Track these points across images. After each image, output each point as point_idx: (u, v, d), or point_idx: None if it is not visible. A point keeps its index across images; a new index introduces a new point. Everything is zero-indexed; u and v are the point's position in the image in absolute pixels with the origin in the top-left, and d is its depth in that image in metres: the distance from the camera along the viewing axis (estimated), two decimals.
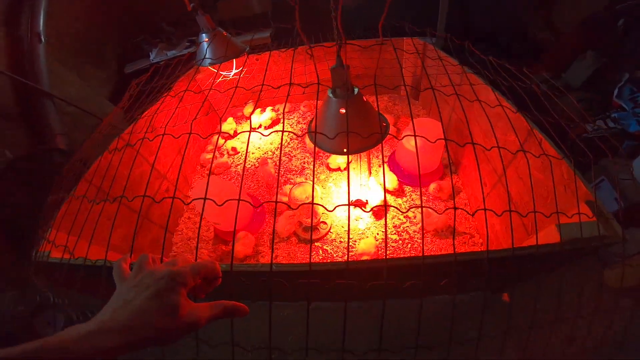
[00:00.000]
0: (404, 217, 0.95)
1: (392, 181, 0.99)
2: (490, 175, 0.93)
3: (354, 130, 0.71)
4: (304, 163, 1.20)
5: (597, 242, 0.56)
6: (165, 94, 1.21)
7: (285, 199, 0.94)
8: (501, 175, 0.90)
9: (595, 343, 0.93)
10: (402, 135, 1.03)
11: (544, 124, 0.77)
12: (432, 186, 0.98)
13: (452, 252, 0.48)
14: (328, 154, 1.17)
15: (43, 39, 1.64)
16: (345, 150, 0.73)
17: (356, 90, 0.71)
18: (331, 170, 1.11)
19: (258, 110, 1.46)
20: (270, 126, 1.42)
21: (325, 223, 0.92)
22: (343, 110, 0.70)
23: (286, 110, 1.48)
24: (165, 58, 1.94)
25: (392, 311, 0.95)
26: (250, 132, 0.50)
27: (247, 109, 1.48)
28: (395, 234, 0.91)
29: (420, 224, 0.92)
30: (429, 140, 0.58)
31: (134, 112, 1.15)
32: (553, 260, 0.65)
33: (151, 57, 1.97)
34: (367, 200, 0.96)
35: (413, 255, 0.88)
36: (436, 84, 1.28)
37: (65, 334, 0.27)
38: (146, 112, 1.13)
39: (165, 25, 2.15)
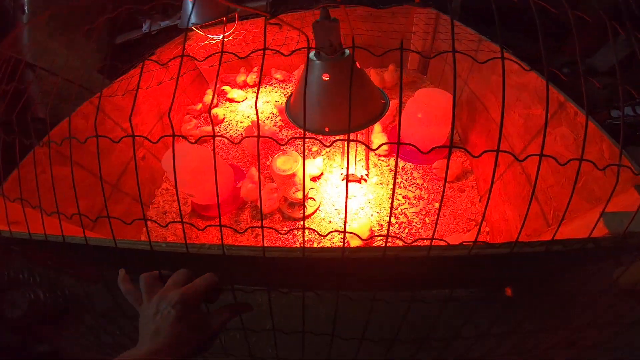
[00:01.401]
0: (403, 198, 0.83)
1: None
2: (505, 154, 0.82)
3: (340, 102, 0.57)
4: (295, 133, 1.08)
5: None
6: (146, 58, 1.11)
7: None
8: (520, 154, 0.78)
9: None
10: (406, 105, 0.91)
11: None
12: (436, 164, 0.87)
13: (460, 241, 0.37)
14: None
15: (27, 10, 1.61)
16: (326, 129, 0.58)
17: (346, 52, 0.57)
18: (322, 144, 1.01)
19: (244, 74, 1.36)
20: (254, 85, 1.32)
21: (313, 199, 0.81)
22: (327, 76, 0.56)
23: (279, 77, 1.37)
24: (158, 28, 1.84)
25: (386, 304, 0.86)
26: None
27: (240, 77, 1.38)
28: (393, 216, 0.80)
29: (419, 207, 0.81)
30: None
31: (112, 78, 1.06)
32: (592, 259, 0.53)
33: (144, 28, 1.86)
34: (362, 176, 0.85)
35: (411, 240, 0.78)
36: (447, 57, 1.16)
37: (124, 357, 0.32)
38: (123, 76, 1.04)
39: None
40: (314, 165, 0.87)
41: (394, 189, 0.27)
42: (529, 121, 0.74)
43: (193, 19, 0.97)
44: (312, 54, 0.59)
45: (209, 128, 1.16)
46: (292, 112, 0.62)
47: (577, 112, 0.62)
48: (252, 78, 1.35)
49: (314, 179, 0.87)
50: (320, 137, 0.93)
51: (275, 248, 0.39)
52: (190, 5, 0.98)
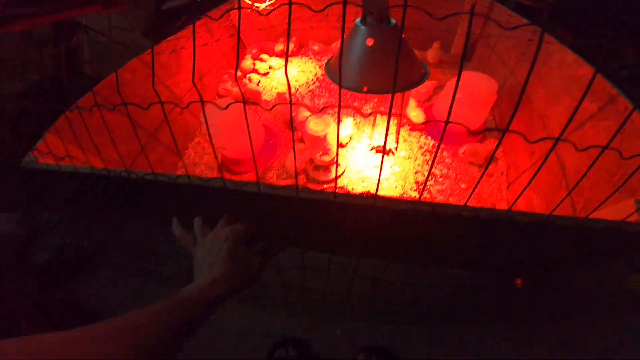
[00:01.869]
0: (430, 175, 0.84)
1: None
2: (543, 143, 0.80)
3: (381, 65, 0.60)
4: (327, 103, 1.10)
5: None
6: (192, 23, 1.16)
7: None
8: (556, 143, 0.76)
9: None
10: (447, 85, 0.91)
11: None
12: (465, 147, 0.86)
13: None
14: (355, 97, 1.07)
15: None
16: (364, 88, 0.61)
17: (393, 21, 0.59)
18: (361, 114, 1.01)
19: (283, 44, 1.39)
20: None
21: (339, 164, 0.84)
22: (371, 41, 0.59)
23: (317, 49, 1.39)
24: None
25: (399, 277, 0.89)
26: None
27: (278, 47, 1.40)
28: (415, 190, 0.81)
29: (444, 185, 0.82)
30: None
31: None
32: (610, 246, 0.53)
33: None
34: (391, 149, 0.86)
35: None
36: (496, 46, 1.13)
37: (189, 290, 0.36)
38: (171, 37, 1.09)
39: None
40: (345, 126, 0.90)
41: (437, 150, 0.27)
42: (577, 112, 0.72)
43: None
44: (357, 19, 0.61)
45: (253, 85, 1.21)
46: (332, 71, 0.64)
47: (627, 106, 0.60)
48: (290, 47, 1.38)
49: (341, 145, 0.89)
50: (356, 103, 0.94)
51: (309, 189, 0.42)
52: None
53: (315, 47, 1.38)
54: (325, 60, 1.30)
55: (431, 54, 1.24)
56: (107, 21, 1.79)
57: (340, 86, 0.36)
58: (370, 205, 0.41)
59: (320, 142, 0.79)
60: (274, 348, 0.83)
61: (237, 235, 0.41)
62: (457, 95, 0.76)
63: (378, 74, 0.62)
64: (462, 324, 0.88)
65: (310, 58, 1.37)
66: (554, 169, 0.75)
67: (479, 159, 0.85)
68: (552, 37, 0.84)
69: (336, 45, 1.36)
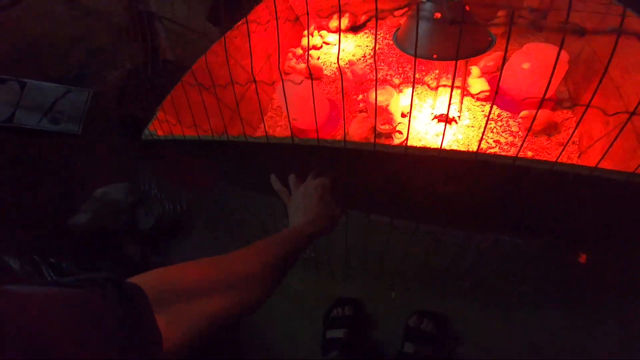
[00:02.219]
0: (494, 142, 0.86)
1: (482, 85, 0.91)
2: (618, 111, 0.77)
3: (448, 36, 0.65)
4: (387, 76, 1.14)
5: None
6: (258, 6, 1.26)
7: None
8: (635, 109, 0.73)
9: None
10: (512, 56, 0.90)
11: None
12: (523, 113, 0.86)
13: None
14: (417, 69, 1.09)
15: None
16: (435, 55, 0.67)
17: None
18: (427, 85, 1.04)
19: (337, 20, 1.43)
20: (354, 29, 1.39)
21: (400, 132, 0.89)
22: (439, 14, 0.63)
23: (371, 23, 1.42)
24: None
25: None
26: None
27: (333, 23, 1.46)
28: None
29: (510, 153, 0.83)
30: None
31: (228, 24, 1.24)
32: None
33: None
34: (454, 117, 0.89)
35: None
36: (569, 17, 1.06)
37: (292, 227, 0.46)
38: (239, 23, 1.19)
39: None
40: (406, 96, 0.94)
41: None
42: None
43: None
44: None
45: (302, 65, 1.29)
46: (401, 42, 0.70)
47: None
48: (344, 23, 1.43)
49: (403, 114, 0.94)
50: (417, 75, 0.97)
51: (384, 145, 0.49)
52: None
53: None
54: (381, 34, 1.33)
55: (497, 21, 1.20)
56: (177, 9, 1.99)
57: (415, 56, 0.42)
58: (434, 156, 0.47)
59: (382, 111, 0.85)
60: (331, 307, 0.93)
61: (325, 184, 0.51)
62: (524, 66, 0.79)
63: (445, 43, 0.66)
64: (516, 299, 0.90)
65: (366, 33, 1.40)
66: (629, 137, 0.73)
67: (539, 124, 0.84)
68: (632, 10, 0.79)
69: (404, 18, 1.38)
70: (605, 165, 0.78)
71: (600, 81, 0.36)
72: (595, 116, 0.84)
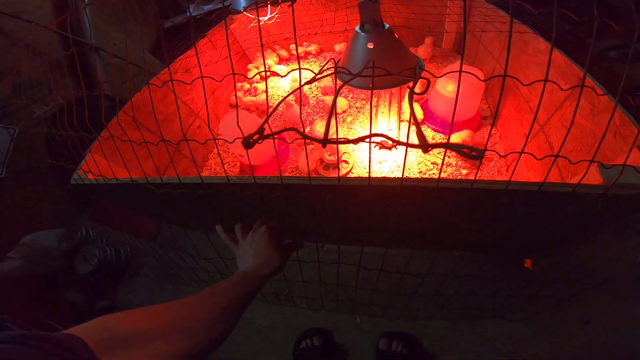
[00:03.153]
0: (432, 164, 0.93)
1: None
2: (531, 127, 0.89)
3: (381, 64, 0.72)
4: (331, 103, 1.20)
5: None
6: (199, 40, 1.28)
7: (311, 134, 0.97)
8: (544, 125, 0.85)
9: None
10: (437, 80, 1.00)
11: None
12: (453, 136, 0.95)
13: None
14: (356, 98, 1.16)
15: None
16: (370, 85, 0.73)
17: (387, 25, 0.69)
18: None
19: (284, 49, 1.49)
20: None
21: (347, 162, 0.93)
22: (371, 45, 0.69)
23: (313, 51, 1.50)
24: (202, 12, 2.01)
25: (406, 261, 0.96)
26: (266, 75, 0.45)
27: (281, 52, 1.52)
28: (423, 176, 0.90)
29: (446, 173, 0.91)
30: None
31: (170, 58, 1.23)
32: (584, 206, 0.61)
33: (189, 12, 2.04)
34: (392, 143, 0.95)
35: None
36: (481, 37, 1.22)
37: (244, 271, 0.48)
38: (182, 56, 1.20)
39: None
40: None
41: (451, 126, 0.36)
42: (552, 94, 0.80)
43: (243, 3, 1.11)
44: (357, 27, 0.71)
45: (254, 98, 1.32)
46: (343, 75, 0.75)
47: (593, 85, 0.68)
48: (283, 53, 1.49)
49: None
50: (357, 104, 1.03)
51: (320, 178, 0.52)
52: None
53: (312, 48, 1.49)
54: (324, 62, 1.41)
55: (423, 50, 1.33)
56: (114, 41, 1.92)
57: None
58: (367, 186, 0.51)
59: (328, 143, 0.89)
60: (299, 339, 0.92)
61: (273, 229, 0.53)
62: (449, 87, 0.87)
63: (380, 72, 0.72)
64: (480, 311, 0.94)
65: (309, 61, 1.48)
66: (544, 149, 0.83)
67: (469, 144, 0.93)
68: (528, 27, 0.93)
69: (341, 49, 1.47)
70: (529, 176, 0.89)
71: (500, 95, 0.41)
72: (515, 132, 0.95)
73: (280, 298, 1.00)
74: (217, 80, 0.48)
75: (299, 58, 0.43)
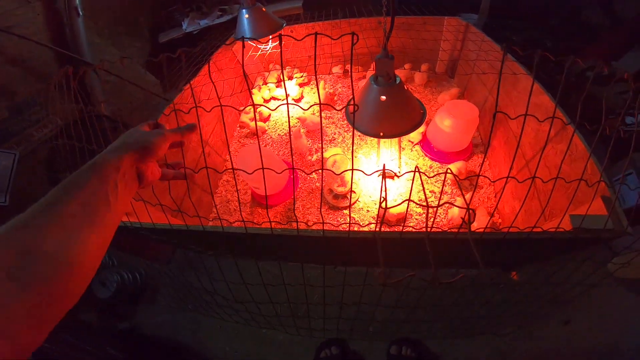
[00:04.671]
0: (430, 192, 1.06)
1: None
2: (519, 159, 1.01)
3: (391, 115, 0.79)
4: (335, 133, 1.31)
5: (602, 234, 0.63)
6: (206, 66, 1.35)
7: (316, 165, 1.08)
8: (529, 161, 0.98)
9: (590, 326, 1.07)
10: (436, 114, 1.12)
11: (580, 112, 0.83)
12: (451, 167, 1.06)
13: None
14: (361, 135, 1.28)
15: (80, 12, 1.75)
16: (381, 134, 0.81)
17: (398, 79, 0.77)
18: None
19: (286, 82, 1.58)
20: (300, 98, 1.54)
21: (354, 192, 1.05)
22: (384, 98, 0.76)
23: (304, 79, 1.61)
24: (198, 28, 2.06)
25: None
26: (287, 104, 0.47)
27: (270, 78, 1.60)
28: (419, 207, 1.03)
29: (443, 201, 1.04)
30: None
31: (176, 80, 1.29)
32: (561, 245, 0.74)
33: (184, 27, 2.09)
34: (395, 174, 1.07)
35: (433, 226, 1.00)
36: (475, 66, 1.34)
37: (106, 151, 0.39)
38: (192, 82, 1.26)
39: None
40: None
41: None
42: (539, 134, 0.93)
43: (247, 34, 1.18)
44: (371, 78, 0.79)
45: (260, 124, 1.41)
46: (350, 118, 0.85)
47: (573, 133, 0.81)
48: (295, 90, 1.57)
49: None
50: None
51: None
52: (245, 22, 1.18)
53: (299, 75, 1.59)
54: (333, 88, 1.51)
55: (419, 76, 1.46)
56: (109, 56, 1.95)
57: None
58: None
59: (337, 176, 0.99)
60: (319, 349, 1.04)
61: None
62: (446, 122, 1.01)
63: (390, 122, 0.81)
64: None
65: (312, 88, 1.57)
66: (527, 181, 0.97)
67: (461, 174, 1.06)
68: (520, 65, 1.06)
69: (337, 71, 1.57)
70: (514, 205, 1.02)
71: (491, 131, 0.53)
72: (503, 162, 1.08)
73: (296, 327, 1.11)
74: (237, 109, 0.57)
75: (287, 97, 0.53)
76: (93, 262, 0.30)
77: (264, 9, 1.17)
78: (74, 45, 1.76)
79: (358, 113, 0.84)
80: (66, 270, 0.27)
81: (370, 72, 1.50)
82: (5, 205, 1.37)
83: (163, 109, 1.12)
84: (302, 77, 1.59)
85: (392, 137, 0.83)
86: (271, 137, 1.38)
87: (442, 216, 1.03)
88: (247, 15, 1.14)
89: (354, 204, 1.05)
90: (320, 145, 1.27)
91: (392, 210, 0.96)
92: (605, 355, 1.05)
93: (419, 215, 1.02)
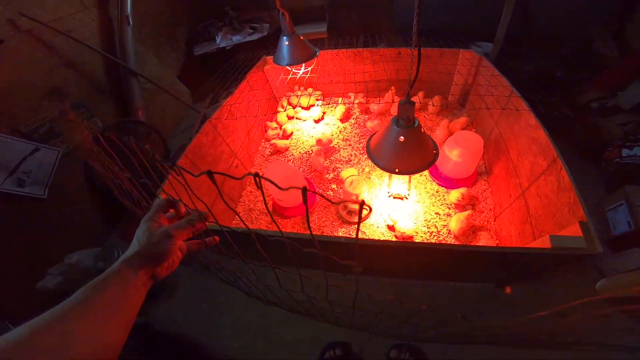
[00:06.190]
0: (435, 214, 1.21)
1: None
2: (516, 188, 1.17)
3: (408, 155, 0.90)
4: (351, 155, 1.49)
5: (577, 252, 0.78)
6: (242, 83, 1.53)
7: (333, 186, 1.25)
8: (525, 190, 1.13)
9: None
10: (445, 144, 1.28)
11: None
12: (452, 193, 1.22)
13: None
14: None
15: (131, 22, 1.96)
16: (396, 170, 0.91)
17: (417, 122, 0.88)
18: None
19: (307, 102, 1.77)
20: (320, 119, 1.72)
21: (365, 209, 1.20)
22: (402, 138, 0.87)
23: (334, 103, 1.79)
24: (231, 43, 2.27)
25: (409, 289, 1.22)
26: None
27: (303, 100, 1.79)
28: (425, 226, 1.18)
29: (447, 222, 1.19)
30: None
31: (215, 93, 1.45)
32: (542, 261, 0.89)
33: (218, 41, 2.30)
34: (405, 195, 1.23)
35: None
36: (485, 96, 1.50)
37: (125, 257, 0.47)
38: (228, 100, 1.44)
39: (230, 9, 2.47)
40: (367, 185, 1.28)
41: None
42: (534, 166, 1.08)
43: (286, 60, 1.32)
44: (393, 119, 0.90)
45: (284, 142, 1.59)
46: (372, 154, 0.98)
47: (561, 167, 0.96)
48: (317, 110, 1.76)
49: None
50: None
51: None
52: (285, 48, 1.32)
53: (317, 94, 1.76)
54: (351, 110, 1.68)
55: (432, 103, 1.62)
56: (151, 67, 2.15)
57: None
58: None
59: (352, 193, 1.16)
60: (324, 350, 1.18)
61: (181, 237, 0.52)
62: (454, 152, 1.20)
63: (406, 160, 0.92)
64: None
65: (333, 112, 1.75)
66: (523, 210, 1.11)
67: (464, 200, 1.21)
68: (525, 102, 1.20)
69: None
70: (510, 228, 1.16)
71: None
72: (503, 190, 1.23)
73: (308, 315, 1.26)
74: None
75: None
76: (118, 343, 0.40)
77: (301, 37, 1.30)
78: (121, 53, 1.94)
79: (377, 148, 0.96)
80: (99, 349, 0.37)
81: (385, 99, 1.67)
82: (44, 198, 1.53)
83: (194, 119, 1.30)
84: (321, 101, 1.76)
85: (406, 174, 0.95)
86: (292, 154, 1.56)
87: (445, 235, 1.18)
88: (287, 42, 1.27)
89: (365, 219, 1.21)
90: (337, 166, 1.45)
91: (399, 229, 1.12)
92: None
93: (424, 234, 1.17)
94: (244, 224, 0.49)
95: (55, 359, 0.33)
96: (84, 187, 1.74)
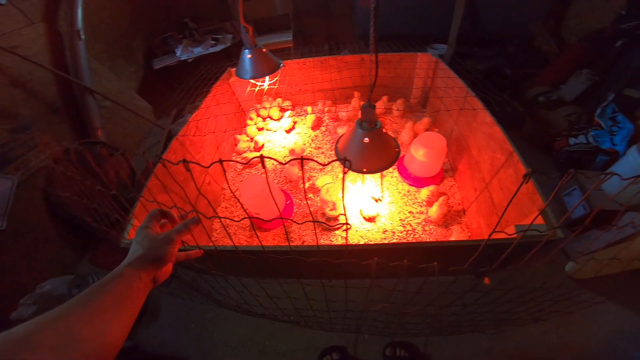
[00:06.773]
0: (409, 212, 1.28)
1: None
2: (480, 182, 1.25)
3: (373, 154, 0.98)
4: (324, 161, 1.53)
5: (540, 238, 0.86)
6: (207, 97, 1.52)
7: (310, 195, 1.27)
8: (488, 183, 1.22)
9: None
10: (411, 145, 1.35)
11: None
12: (422, 191, 1.31)
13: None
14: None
15: (83, 36, 1.87)
16: (364, 169, 0.97)
17: (378, 124, 0.95)
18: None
19: (277, 113, 1.79)
20: (291, 128, 1.74)
21: (344, 214, 1.25)
22: (367, 140, 0.94)
23: (303, 110, 1.82)
24: (193, 55, 2.24)
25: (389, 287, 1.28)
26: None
27: (273, 111, 1.80)
28: (401, 225, 1.24)
29: (420, 219, 1.26)
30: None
31: (177, 108, 1.43)
32: (511, 251, 0.96)
33: (178, 54, 2.26)
34: (378, 198, 1.29)
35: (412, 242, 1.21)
36: (443, 98, 1.60)
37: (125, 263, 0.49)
38: (194, 115, 1.43)
39: (189, 21, 2.44)
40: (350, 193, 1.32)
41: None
42: (494, 160, 1.17)
43: (250, 73, 1.33)
44: (357, 122, 0.96)
45: (254, 154, 1.59)
46: (340, 153, 1.02)
47: (517, 159, 1.04)
48: (287, 121, 1.78)
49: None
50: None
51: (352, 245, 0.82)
52: (247, 62, 1.33)
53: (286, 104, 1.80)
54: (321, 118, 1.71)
55: (396, 107, 1.70)
56: (107, 83, 2.06)
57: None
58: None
59: (329, 199, 1.19)
60: (320, 356, 1.20)
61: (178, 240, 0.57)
62: (420, 152, 1.27)
63: (372, 159, 0.99)
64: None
65: (302, 118, 1.78)
66: (487, 200, 1.20)
67: (434, 197, 1.28)
68: (479, 101, 1.30)
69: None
70: (479, 219, 1.25)
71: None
72: (469, 185, 1.32)
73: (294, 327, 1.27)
74: (269, 159, 0.76)
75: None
76: (119, 343, 0.41)
77: (264, 50, 1.30)
78: (73, 69, 1.86)
79: (345, 151, 1.04)
80: (102, 349, 0.38)
81: (352, 104, 1.73)
82: (3, 230, 1.46)
83: (158, 136, 1.28)
84: (291, 110, 1.79)
85: (374, 173, 1.02)
86: (265, 166, 1.56)
87: (420, 233, 1.24)
88: (249, 55, 1.26)
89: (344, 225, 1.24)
90: (312, 174, 1.48)
91: (365, 215, 1.17)
92: (577, 350, 1.26)
93: (400, 233, 1.23)
94: (231, 239, 0.50)
95: (59, 357, 0.34)
96: (45, 215, 1.66)
